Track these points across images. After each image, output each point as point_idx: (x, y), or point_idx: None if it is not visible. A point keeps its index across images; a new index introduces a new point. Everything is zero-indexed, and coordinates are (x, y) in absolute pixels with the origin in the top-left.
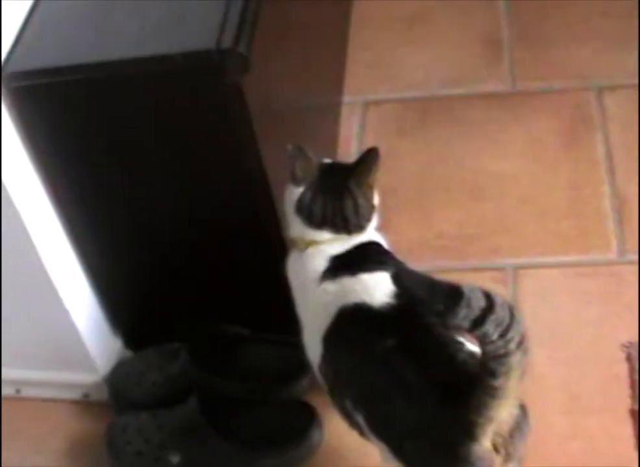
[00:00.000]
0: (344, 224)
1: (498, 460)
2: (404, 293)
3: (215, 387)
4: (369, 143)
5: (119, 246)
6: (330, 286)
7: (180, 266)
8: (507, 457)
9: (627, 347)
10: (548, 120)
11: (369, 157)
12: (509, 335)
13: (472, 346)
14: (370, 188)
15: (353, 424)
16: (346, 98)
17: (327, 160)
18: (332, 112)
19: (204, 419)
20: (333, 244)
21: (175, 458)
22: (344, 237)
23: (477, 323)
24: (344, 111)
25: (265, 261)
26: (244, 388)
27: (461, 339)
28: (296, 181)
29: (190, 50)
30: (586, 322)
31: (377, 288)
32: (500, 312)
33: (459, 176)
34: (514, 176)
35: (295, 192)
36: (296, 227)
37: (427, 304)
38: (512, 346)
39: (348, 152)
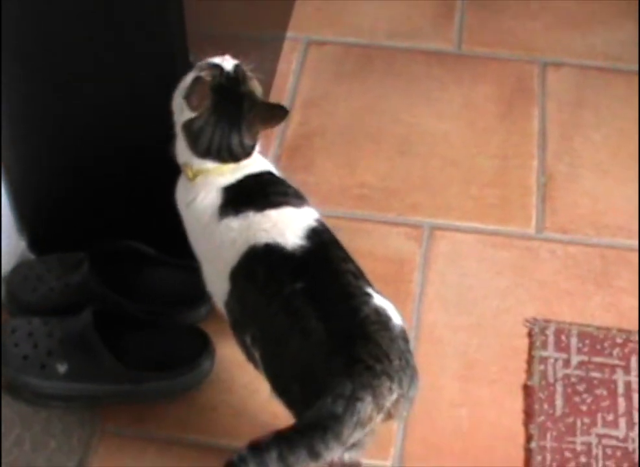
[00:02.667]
0: (230, 155)
1: (379, 417)
2: (314, 234)
3: (112, 303)
4: (306, 82)
5: (34, 145)
6: (234, 222)
7: (94, 176)
8: (389, 415)
9: (530, 323)
10: (489, 87)
11: (275, 113)
12: None
13: (380, 301)
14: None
15: (250, 358)
16: (290, 34)
17: (224, 81)
18: (272, 46)
19: (96, 333)
20: (224, 174)
21: (62, 367)
22: (232, 165)
23: None
24: (286, 46)
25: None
26: (141, 308)
27: (371, 291)
28: (192, 107)
29: None
30: (494, 292)
31: (288, 228)
32: None
33: (390, 129)
34: (445, 137)
35: (186, 113)
36: (183, 152)
37: (338, 247)
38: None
39: (285, 89)
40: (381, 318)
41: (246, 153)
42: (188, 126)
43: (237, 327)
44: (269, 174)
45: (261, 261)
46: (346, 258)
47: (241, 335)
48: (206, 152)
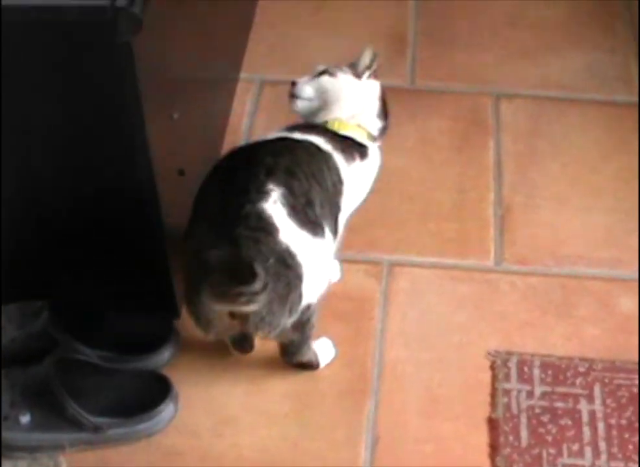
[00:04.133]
0: None
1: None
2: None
3: (73, 350)
4: (261, 122)
5: None
6: None
7: (54, 226)
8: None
9: (492, 355)
10: (443, 121)
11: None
12: None
13: (268, 207)
14: None
15: None
16: (243, 74)
17: None
18: (226, 87)
19: (58, 381)
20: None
21: (25, 418)
22: None
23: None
24: (240, 87)
25: (141, 229)
26: (103, 354)
27: (270, 192)
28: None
29: (84, 4)
30: (455, 326)
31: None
32: None
33: None
34: (402, 172)
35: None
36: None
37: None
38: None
39: (239, 130)
40: (259, 224)
41: None
42: None
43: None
44: None
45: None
46: (280, 153)
47: None
48: None
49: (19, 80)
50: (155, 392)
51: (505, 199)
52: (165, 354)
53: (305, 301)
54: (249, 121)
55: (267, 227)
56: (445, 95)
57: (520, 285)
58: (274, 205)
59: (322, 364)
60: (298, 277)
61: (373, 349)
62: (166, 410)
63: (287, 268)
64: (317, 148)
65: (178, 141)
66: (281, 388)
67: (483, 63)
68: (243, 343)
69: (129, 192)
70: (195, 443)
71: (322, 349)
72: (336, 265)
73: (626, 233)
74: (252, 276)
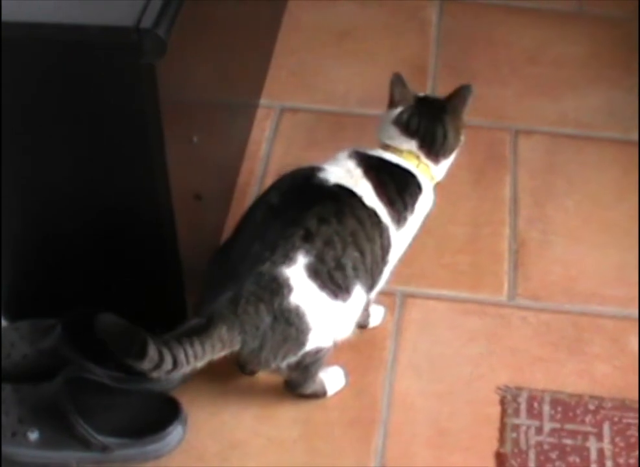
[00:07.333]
0: (431, 143)
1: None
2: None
3: (83, 369)
4: (279, 149)
5: (9, 214)
6: None
7: (71, 245)
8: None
9: (502, 390)
10: (461, 154)
11: (463, 90)
12: None
13: (288, 271)
14: (461, 126)
15: None
16: (263, 101)
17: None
18: (246, 112)
19: (68, 400)
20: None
21: (33, 435)
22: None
23: None
24: (260, 113)
25: (156, 252)
26: (113, 374)
27: (296, 260)
28: (392, 104)
29: (109, 24)
30: (466, 359)
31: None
32: None
33: None
34: None
35: (391, 112)
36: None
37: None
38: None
39: (257, 156)
40: (270, 284)
41: (446, 148)
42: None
43: None
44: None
45: None
46: (326, 220)
47: None
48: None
49: (39, 99)
50: (164, 413)
51: (520, 234)
52: (175, 376)
53: (308, 349)
54: (268, 147)
55: (275, 289)
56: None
57: (532, 321)
58: (296, 269)
59: (330, 392)
60: (302, 333)
61: (383, 380)
62: (174, 432)
63: (288, 326)
64: (377, 217)
65: (197, 165)
66: (290, 415)
67: (502, 98)
68: (243, 368)
69: (146, 214)
70: (202, 465)
71: (333, 377)
72: (380, 311)
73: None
74: (141, 354)
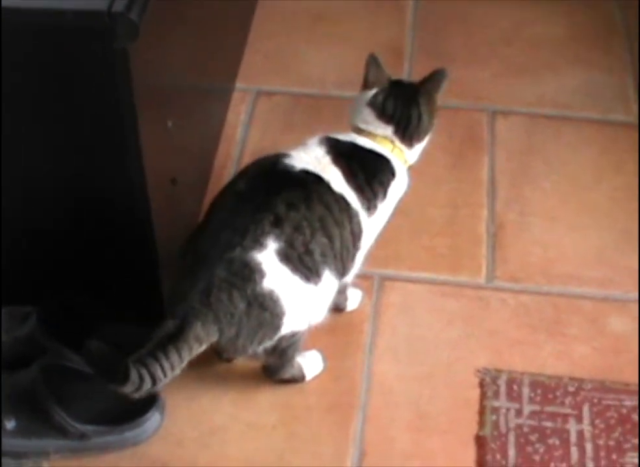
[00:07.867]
0: (406, 127)
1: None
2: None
3: (60, 356)
4: (255, 133)
5: None
6: None
7: (46, 232)
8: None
9: (482, 372)
10: (438, 136)
11: (438, 74)
12: None
13: (259, 256)
14: (434, 110)
15: None
16: (239, 84)
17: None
18: (221, 96)
19: (45, 388)
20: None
21: (10, 423)
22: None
23: None
24: (235, 97)
25: (132, 237)
26: None
27: (267, 245)
28: (367, 85)
29: (81, 8)
30: (444, 342)
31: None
32: None
33: None
34: None
35: (366, 94)
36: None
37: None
38: None
39: (234, 139)
40: (242, 270)
41: (421, 132)
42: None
43: None
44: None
45: None
46: (295, 205)
47: None
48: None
49: (11, 85)
50: (141, 400)
51: (498, 216)
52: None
53: (283, 333)
54: (243, 131)
55: (248, 274)
56: (440, 111)
57: (511, 303)
58: (267, 253)
59: (309, 377)
60: (276, 317)
61: (362, 363)
62: (152, 419)
63: (263, 310)
64: (346, 203)
65: (172, 150)
66: (269, 400)
67: (479, 80)
68: (220, 355)
69: (121, 200)
70: (180, 453)
71: (311, 361)
72: (357, 294)
73: (618, 253)
74: (124, 380)
